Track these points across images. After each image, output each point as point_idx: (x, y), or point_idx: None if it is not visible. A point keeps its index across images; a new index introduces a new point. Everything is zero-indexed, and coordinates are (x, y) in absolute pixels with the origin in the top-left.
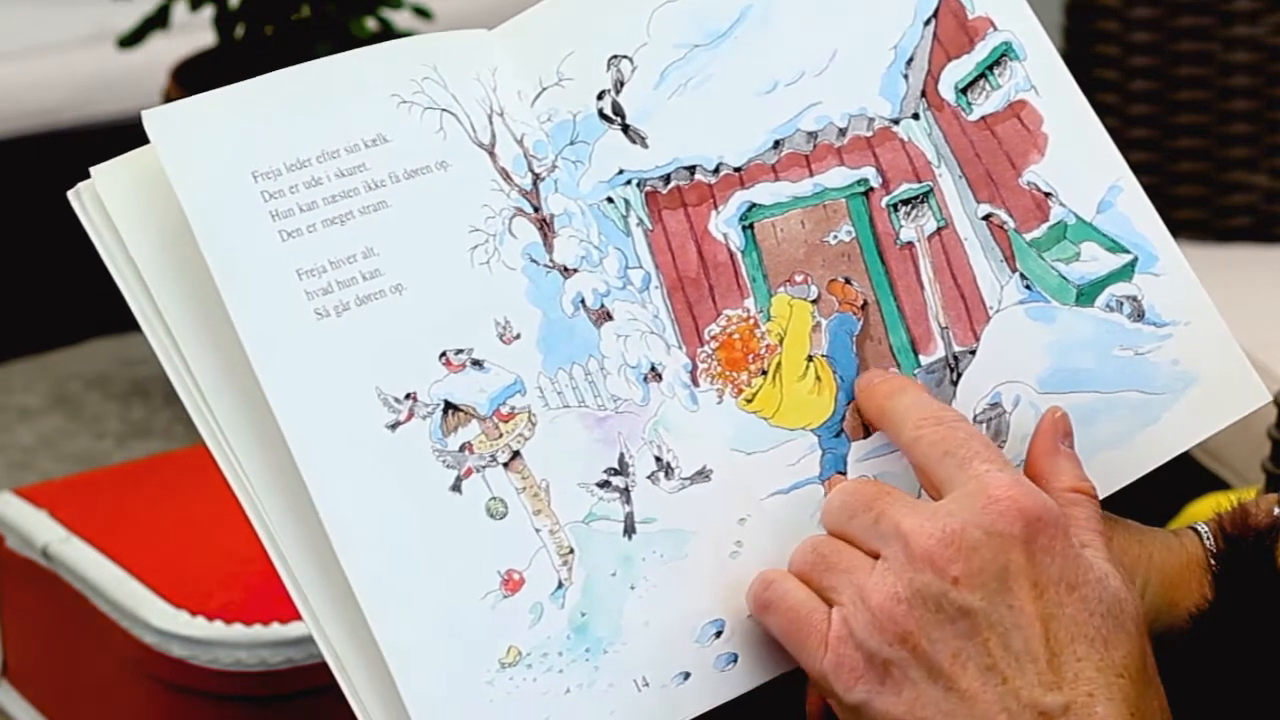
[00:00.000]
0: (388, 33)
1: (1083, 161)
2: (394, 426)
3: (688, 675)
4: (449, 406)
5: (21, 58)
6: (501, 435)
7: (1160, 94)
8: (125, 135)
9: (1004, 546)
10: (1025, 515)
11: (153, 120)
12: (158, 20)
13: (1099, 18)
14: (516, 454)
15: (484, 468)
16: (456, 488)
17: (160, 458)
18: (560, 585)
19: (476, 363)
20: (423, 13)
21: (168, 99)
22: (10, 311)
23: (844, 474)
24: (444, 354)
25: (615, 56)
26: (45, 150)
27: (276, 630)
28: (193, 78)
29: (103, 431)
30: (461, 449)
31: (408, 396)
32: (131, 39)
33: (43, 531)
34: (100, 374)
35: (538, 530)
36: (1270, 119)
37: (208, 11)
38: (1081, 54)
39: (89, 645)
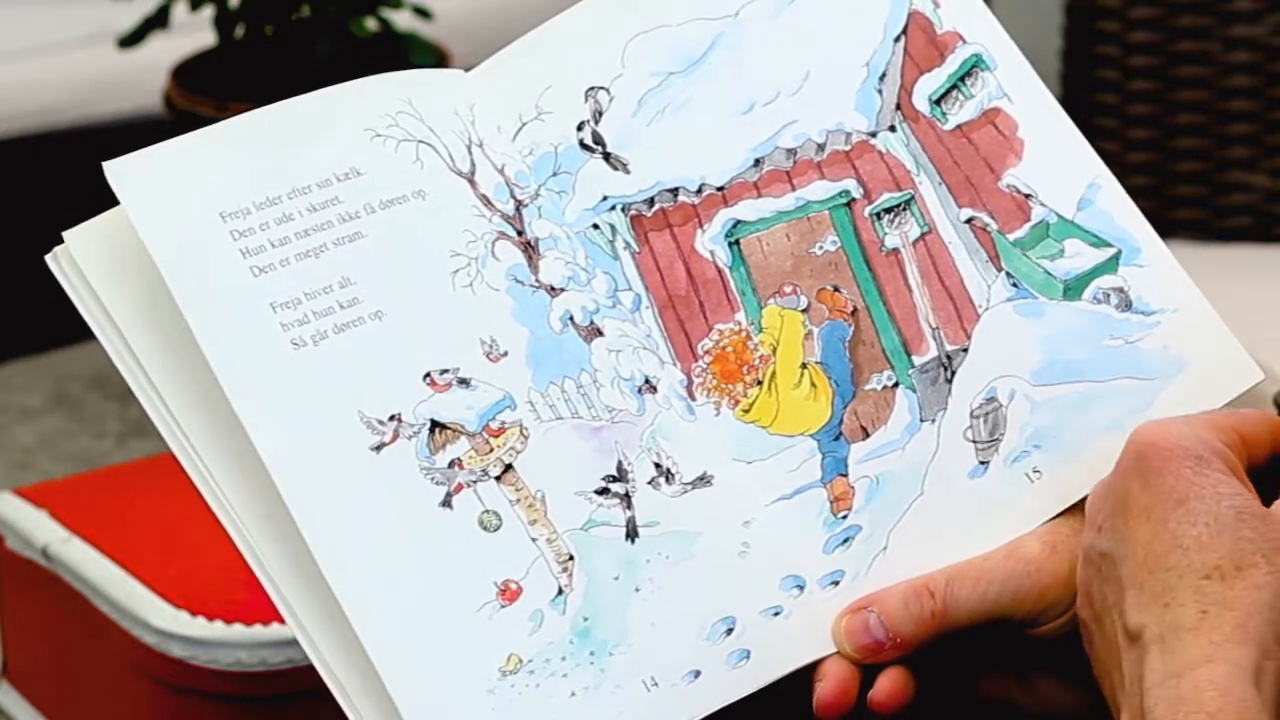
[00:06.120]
0: (388, 32)
1: (1060, 163)
2: (378, 449)
3: (698, 674)
4: (435, 425)
5: (21, 58)
6: (492, 450)
7: (1160, 94)
8: (125, 135)
9: (1122, 480)
10: (1134, 443)
11: (115, 171)
12: (158, 20)
13: (1099, 18)
14: (509, 467)
15: (475, 482)
16: (447, 503)
17: (160, 458)
18: (560, 592)
19: (463, 381)
20: (423, 13)
21: (168, 99)
22: (10, 311)
23: (845, 475)
24: (428, 375)
25: (593, 88)
26: (45, 150)
27: (276, 630)
28: (193, 78)
29: (103, 431)
30: (450, 465)
31: (392, 418)
32: (131, 39)
33: (43, 531)
34: (100, 374)
35: (534, 540)
36: (1270, 119)
37: (208, 11)
38: (1081, 54)
39: (89, 645)
